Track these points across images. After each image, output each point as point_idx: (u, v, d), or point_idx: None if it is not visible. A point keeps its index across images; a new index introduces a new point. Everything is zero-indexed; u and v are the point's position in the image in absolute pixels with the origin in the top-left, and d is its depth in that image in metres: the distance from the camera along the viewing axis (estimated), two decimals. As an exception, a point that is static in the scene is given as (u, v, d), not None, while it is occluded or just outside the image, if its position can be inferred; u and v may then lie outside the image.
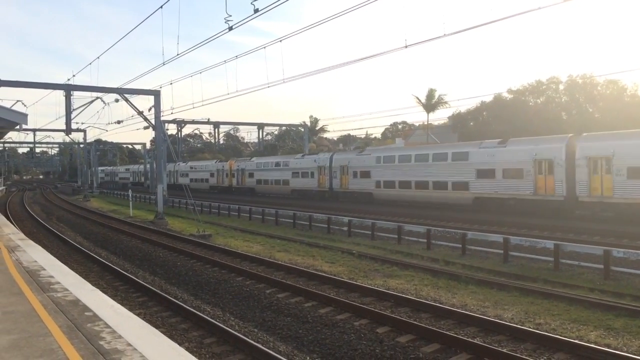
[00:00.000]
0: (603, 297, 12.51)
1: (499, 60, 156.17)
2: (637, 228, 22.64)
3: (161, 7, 22.66)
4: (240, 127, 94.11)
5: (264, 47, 24.06)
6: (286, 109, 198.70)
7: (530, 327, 10.16)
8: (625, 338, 9.68)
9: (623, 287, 13.67)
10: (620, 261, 15.25)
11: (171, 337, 10.01)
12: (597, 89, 50.34)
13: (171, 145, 51.33)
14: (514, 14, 14.98)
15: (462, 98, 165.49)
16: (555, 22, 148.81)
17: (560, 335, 9.64)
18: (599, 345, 9.05)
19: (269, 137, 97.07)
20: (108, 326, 6.72)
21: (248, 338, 9.72)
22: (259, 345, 9.12)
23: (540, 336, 9.48)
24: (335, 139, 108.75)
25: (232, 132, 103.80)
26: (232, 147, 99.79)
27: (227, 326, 10.54)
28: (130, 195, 43.25)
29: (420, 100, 66.79)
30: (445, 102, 65.95)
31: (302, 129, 76.32)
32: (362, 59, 26.46)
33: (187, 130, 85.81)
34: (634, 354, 8.66)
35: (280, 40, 22.97)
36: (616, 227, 23.42)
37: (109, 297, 12.63)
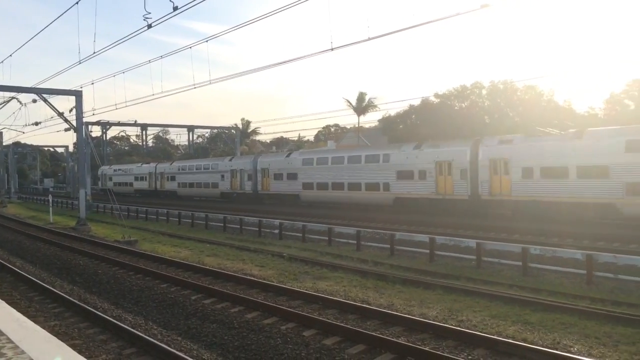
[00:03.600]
0: (521, 293, 13.03)
1: (428, 64, 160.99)
2: (554, 226, 23.87)
3: (77, 2, 21.59)
4: (170, 129, 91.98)
5: (190, 47, 23.51)
6: (218, 111, 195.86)
7: (452, 325, 10.40)
8: (540, 332, 10.09)
9: (539, 283, 14.31)
10: (537, 258, 15.97)
11: (88, 348, 9.53)
12: (516, 94, 52.76)
13: (94, 148, 49.27)
14: (433, 19, 15.36)
15: (392, 101, 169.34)
16: (478, 28, 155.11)
17: (481, 332, 9.93)
18: (516, 340, 9.37)
19: (200, 140, 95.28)
20: (10, 341, 6.23)
21: (170, 347, 9.38)
22: (180, 354, 8.81)
23: (462, 333, 9.72)
24: (268, 141, 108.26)
25: (161, 134, 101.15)
26: (162, 149, 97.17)
27: (148, 335, 10.14)
28: (51, 200, 41.10)
29: (350, 104, 67.60)
30: (375, 106, 67.08)
31: (234, 132, 75.40)
32: (289, 61, 26.52)
33: (112, 132, 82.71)
34: (548, 347, 9.04)
35: (207, 41, 22.51)
36: (536, 225, 24.56)
37: (21, 309, 11.91)
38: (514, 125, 48.14)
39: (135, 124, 68.98)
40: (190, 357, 8.86)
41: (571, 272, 14.91)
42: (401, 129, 60.17)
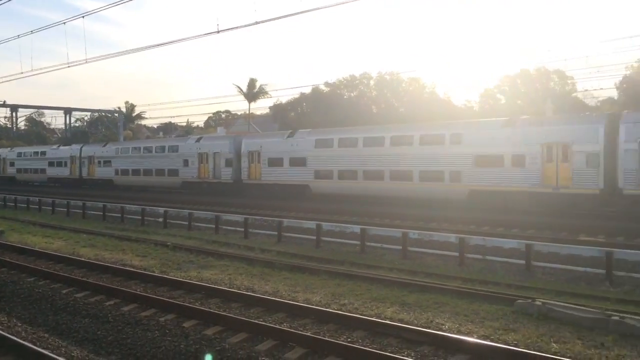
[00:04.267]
0: (400, 276, 13.60)
1: (319, 52, 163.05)
2: (434, 212, 25.19)
3: None
4: (46, 111, 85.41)
5: (64, 23, 21.77)
6: (99, 94, 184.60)
7: (334, 309, 10.59)
8: (416, 312, 10.57)
9: (417, 266, 15.04)
10: (415, 242, 16.76)
11: None
12: (402, 86, 55.09)
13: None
14: (321, 6, 15.44)
15: (283, 88, 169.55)
16: (369, 18, 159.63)
17: (361, 314, 10.20)
18: (393, 321, 9.73)
19: (79, 124, 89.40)
20: None
21: (36, 345, 8.65)
22: (45, 352, 8.16)
23: (343, 316, 9.92)
24: (155, 126, 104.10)
25: (35, 116, 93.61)
26: (36, 133, 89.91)
27: (11, 333, 9.29)
28: None
29: (241, 90, 66.82)
30: (267, 92, 66.85)
31: (117, 115, 71.57)
32: (173, 42, 25.40)
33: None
34: (422, 326, 9.49)
35: (83, 17, 20.97)
36: (419, 211, 25.76)
37: None
38: (399, 115, 50.21)
39: (3, 105, 63.13)
40: (58, 355, 8.24)
41: (447, 255, 15.83)
42: (292, 116, 60.54)
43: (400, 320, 9.92)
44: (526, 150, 24.64)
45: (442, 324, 9.80)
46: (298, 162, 33.22)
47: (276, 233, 19.81)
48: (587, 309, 9.96)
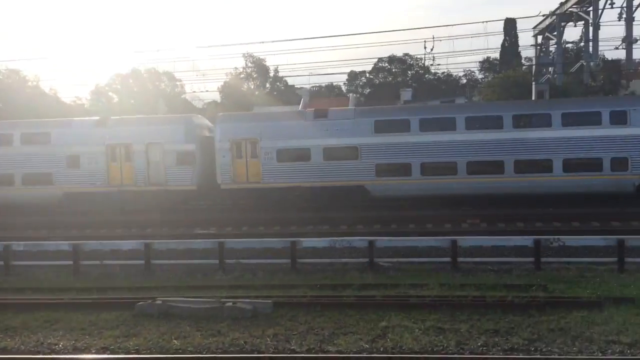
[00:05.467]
0: (3, 296, 11.62)
1: None
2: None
3: None
4: None
5: None
6: None
7: None
8: (23, 336, 9.21)
9: (23, 282, 13.22)
10: (22, 255, 14.73)
11: None
12: (-4, 77, 48.03)
13: None
14: None
15: None
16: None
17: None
18: (-8, 353, 8.15)
19: None
20: None
21: None
22: None
23: None
24: None
25: None
26: None
27: None
28: None
29: None
30: None
31: None
32: None
33: None
34: (30, 353, 8.23)
35: None
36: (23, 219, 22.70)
37: None
38: (-6, 110, 43.60)
39: None
40: None
41: (60, 265, 14.35)
42: None
43: (4, 350, 8.39)
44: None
45: (55, 344, 8.73)
46: (343, 154, 23.21)
47: None
48: (204, 299, 10.41)
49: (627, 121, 20.96)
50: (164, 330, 9.33)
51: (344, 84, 73.50)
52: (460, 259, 13.41)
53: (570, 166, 21.09)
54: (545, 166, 21.33)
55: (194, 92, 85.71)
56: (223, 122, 24.21)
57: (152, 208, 23.41)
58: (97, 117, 26.85)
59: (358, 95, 64.50)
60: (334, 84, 71.75)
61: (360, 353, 8.17)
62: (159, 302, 10.37)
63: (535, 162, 21.41)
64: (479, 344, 8.33)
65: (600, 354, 7.78)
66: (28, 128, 25.43)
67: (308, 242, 14.70)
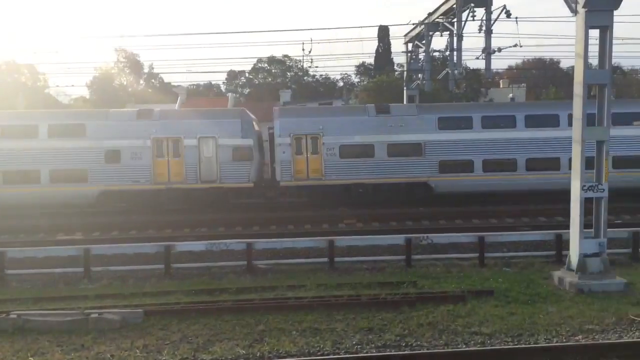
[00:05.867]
0: None
1: None
2: None
3: None
4: None
5: None
6: None
7: None
8: None
9: None
10: None
11: None
12: None
13: None
14: None
15: None
16: None
17: None
18: None
19: None
20: None
21: None
22: None
23: None
24: None
25: None
26: None
27: None
28: None
29: None
30: None
31: None
32: None
33: None
34: None
35: None
36: None
37: None
38: None
39: None
40: None
41: None
42: None
43: None
44: None
45: None
46: (406, 151, 23.15)
47: None
48: (66, 312, 9.60)
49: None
50: (19, 347, 8.47)
51: (223, 83, 72.45)
52: (337, 259, 13.66)
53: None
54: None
55: (58, 86, 79.48)
56: (282, 116, 23.68)
57: (202, 206, 22.49)
58: (136, 109, 25.48)
59: (237, 95, 63.83)
60: (213, 82, 70.39)
61: (236, 359, 7.97)
62: (13, 316, 9.42)
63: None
64: (354, 342, 8.50)
65: (464, 346, 8.26)
66: (57, 119, 23.43)
67: (183, 245, 14.13)
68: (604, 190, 11.29)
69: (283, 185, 23.16)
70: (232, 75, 70.31)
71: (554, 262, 13.17)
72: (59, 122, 22.95)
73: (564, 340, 8.40)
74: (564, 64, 69.76)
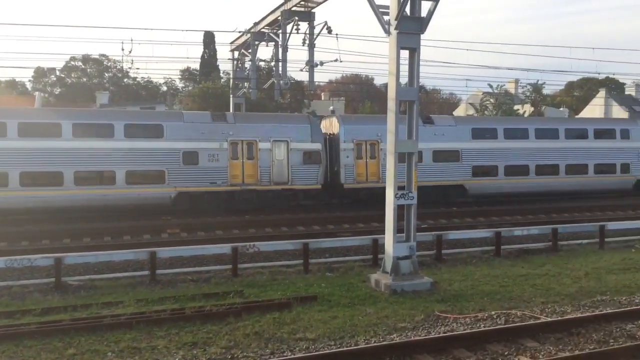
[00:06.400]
0: None
1: None
2: None
3: None
4: None
5: None
6: None
7: None
8: None
9: None
10: None
11: None
12: None
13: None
14: None
15: None
16: None
17: None
18: None
19: None
20: None
21: None
22: None
23: None
24: None
25: None
26: None
27: None
28: None
29: None
30: None
31: None
32: None
33: None
34: None
35: None
36: None
37: None
38: None
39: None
40: None
41: None
42: None
43: None
44: None
45: None
46: (444, 156, 26.67)
47: None
48: None
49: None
50: None
51: (30, 80, 65.16)
52: (159, 271, 12.97)
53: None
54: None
55: None
56: (346, 123, 25.90)
57: (271, 207, 23.39)
58: (209, 112, 26.80)
59: (46, 95, 57.98)
60: (17, 79, 62.91)
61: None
62: None
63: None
64: (177, 359, 8.08)
65: (289, 353, 8.31)
66: (133, 118, 23.93)
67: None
68: (413, 197, 12.33)
69: (347, 187, 25.07)
70: (40, 73, 63.64)
71: (371, 266, 14.02)
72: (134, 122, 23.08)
73: (381, 340, 8.89)
74: (377, 81, 75.68)
